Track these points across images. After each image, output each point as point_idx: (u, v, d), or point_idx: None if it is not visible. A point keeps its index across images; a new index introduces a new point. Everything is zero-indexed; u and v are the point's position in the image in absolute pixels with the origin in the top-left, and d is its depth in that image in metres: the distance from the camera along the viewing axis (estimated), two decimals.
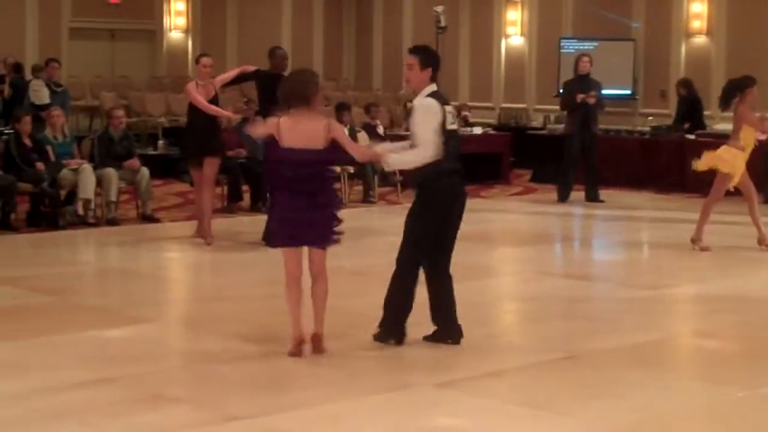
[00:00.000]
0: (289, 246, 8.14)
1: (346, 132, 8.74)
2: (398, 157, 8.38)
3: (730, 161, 13.02)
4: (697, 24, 21.86)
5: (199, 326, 9.34)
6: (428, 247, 8.34)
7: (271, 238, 8.92)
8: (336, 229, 8.21)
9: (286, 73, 14.11)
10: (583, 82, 17.62)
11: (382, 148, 8.58)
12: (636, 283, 11.44)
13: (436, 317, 8.56)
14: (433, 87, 8.37)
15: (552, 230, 15.76)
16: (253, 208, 16.14)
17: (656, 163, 19.36)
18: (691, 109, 20.11)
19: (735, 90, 13.07)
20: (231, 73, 14.25)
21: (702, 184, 18.29)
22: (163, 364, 8.18)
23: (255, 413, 6.81)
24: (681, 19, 22.03)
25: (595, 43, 22.57)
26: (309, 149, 7.95)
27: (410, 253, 8.34)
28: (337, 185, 16.78)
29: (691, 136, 19.37)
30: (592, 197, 17.63)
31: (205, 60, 13.74)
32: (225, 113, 14.00)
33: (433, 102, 8.26)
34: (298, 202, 8.01)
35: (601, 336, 9.03)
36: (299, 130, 7.97)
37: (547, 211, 16.83)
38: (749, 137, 13.06)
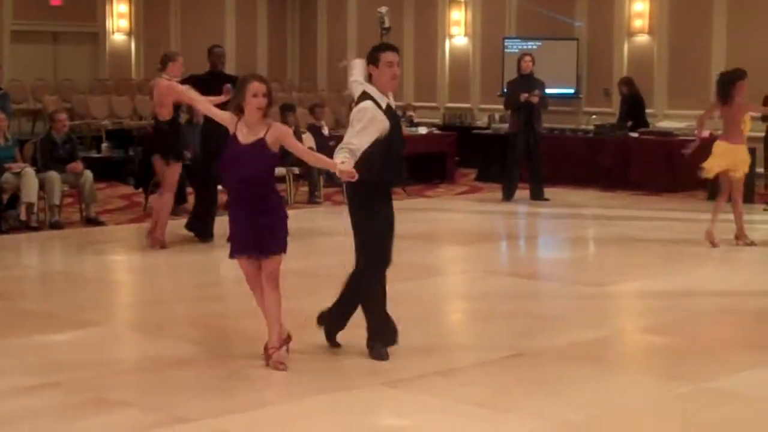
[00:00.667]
0: (240, 256, 8.04)
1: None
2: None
3: (743, 158, 13.21)
4: (639, 23, 22.00)
5: (146, 330, 9.28)
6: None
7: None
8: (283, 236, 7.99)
9: (224, 71, 14.12)
10: (526, 81, 17.68)
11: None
12: (582, 280, 11.48)
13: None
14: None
15: (498, 229, 15.81)
16: None
17: (600, 161, 19.46)
18: (633, 107, 20.28)
19: (729, 83, 13.22)
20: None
21: (645, 182, 18.53)
22: (110, 368, 8.10)
23: (204, 415, 6.77)
24: (623, 18, 22.17)
25: (539, 43, 22.66)
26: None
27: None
28: (282, 186, 16.91)
29: (635, 134, 19.52)
30: (536, 195, 17.69)
31: (181, 59, 13.44)
32: (217, 99, 13.58)
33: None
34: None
35: (549, 333, 9.04)
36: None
37: (492, 210, 16.88)
38: (748, 125, 13.50)
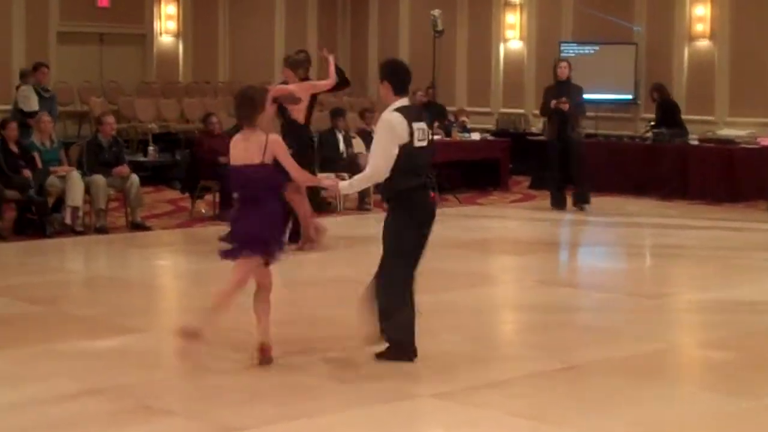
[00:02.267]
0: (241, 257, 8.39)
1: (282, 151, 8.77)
2: (347, 183, 8.68)
3: None
4: (700, 27, 21.89)
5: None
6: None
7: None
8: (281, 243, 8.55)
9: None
10: (560, 87, 17.61)
11: (327, 178, 8.92)
12: (638, 291, 11.44)
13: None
14: (402, 102, 8.31)
15: (551, 238, 15.77)
16: None
17: (658, 169, 19.36)
18: (666, 113, 20.14)
19: None
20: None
21: (704, 192, 18.43)
22: (154, 375, 8.18)
23: (251, 425, 6.82)
24: (684, 23, 22.07)
25: (596, 47, 22.62)
26: (247, 165, 8.22)
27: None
28: (331, 192, 16.93)
29: (695, 142, 19.42)
30: (578, 200, 17.61)
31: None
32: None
33: (396, 117, 8.21)
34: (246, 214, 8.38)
35: (602, 346, 9.03)
36: (242, 148, 8.30)
37: (545, 218, 16.84)
38: None
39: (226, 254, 8.43)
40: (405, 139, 8.13)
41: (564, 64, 17.86)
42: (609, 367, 8.34)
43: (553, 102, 17.37)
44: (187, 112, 23.82)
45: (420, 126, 8.25)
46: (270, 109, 10.36)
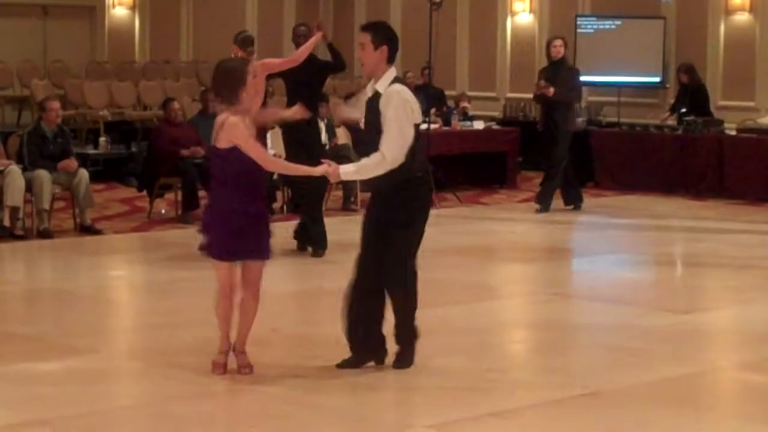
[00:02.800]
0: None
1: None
2: (353, 168, 8.64)
3: None
4: None
5: (147, 358, 9.31)
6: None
7: None
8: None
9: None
10: (553, 69, 17.58)
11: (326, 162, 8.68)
12: (669, 306, 11.43)
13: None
14: (394, 72, 8.46)
15: (567, 243, 15.80)
16: None
17: (690, 163, 19.34)
18: (694, 99, 20.15)
19: None
20: (278, 62, 13.90)
21: (743, 188, 18.42)
22: (105, 403, 8.15)
23: None
24: None
25: (618, 22, 22.63)
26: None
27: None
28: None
29: (732, 132, 19.41)
30: (569, 201, 17.73)
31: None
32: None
33: (408, 93, 8.39)
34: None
35: (628, 369, 9.01)
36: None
37: (560, 220, 16.83)
38: None
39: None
40: (419, 118, 8.35)
41: (559, 42, 17.83)
42: (637, 393, 8.32)
43: (540, 83, 17.34)
44: (145, 97, 23.82)
45: (415, 101, 8.41)
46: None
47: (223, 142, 8.30)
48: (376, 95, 8.41)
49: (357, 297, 8.62)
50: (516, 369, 9.48)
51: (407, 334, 8.63)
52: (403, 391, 8.32)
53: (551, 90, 17.18)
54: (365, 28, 8.59)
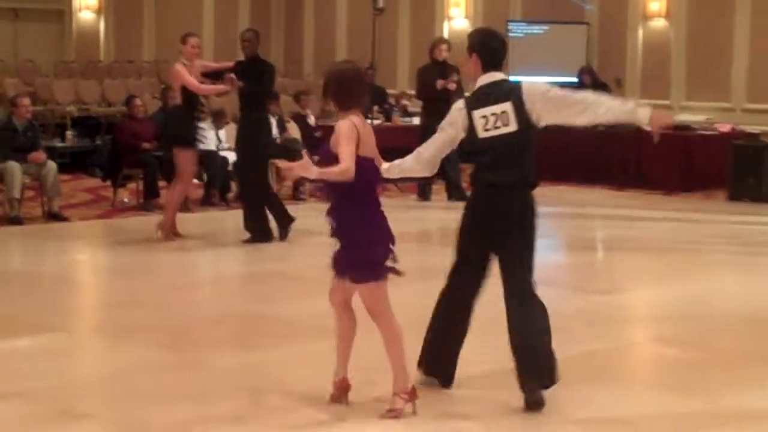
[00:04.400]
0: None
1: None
2: (396, 166, 7.86)
3: None
4: (655, 6, 22.04)
5: (111, 335, 9.30)
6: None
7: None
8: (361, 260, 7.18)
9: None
10: (440, 67, 17.64)
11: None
12: (589, 287, 11.50)
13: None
14: (485, 79, 7.53)
15: None
16: None
17: (612, 157, 19.44)
18: None
19: None
20: (215, 65, 13.94)
21: (661, 180, 18.55)
22: (73, 377, 8.13)
23: (172, 428, 6.80)
24: (638, 1, 22.22)
25: (546, 27, 22.71)
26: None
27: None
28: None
29: (649, 128, 19.49)
30: (453, 195, 17.48)
31: (193, 40, 13.50)
32: (221, 88, 13.62)
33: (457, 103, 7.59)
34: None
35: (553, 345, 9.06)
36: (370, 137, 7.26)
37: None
38: None
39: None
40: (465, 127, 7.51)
41: (444, 45, 17.96)
42: (560, 366, 8.36)
43: (441, 82, 17.33)
44: (109, 95, 23.69)
45: (489, 111, 7.42)
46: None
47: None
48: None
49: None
50: None
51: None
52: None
53: (455, 85, 17.24)
54: (468, 35, 7.85)
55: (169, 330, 9.36)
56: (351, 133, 6.95)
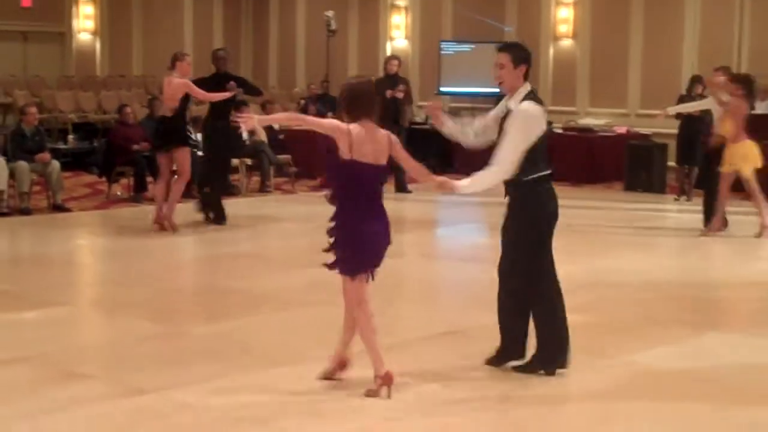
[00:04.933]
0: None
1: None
2: (470, 182, 7.17)
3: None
4: (563, 28, 22.09)
5: (107, 308, 9.24)
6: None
7: None
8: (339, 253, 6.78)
9: (229, 72, 14.03)
10: (391, 80, 17.67)
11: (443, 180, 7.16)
12: None
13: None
14: (528, 87, 7.14)
15: (433, 216, 15.83)
16: None
17: None
18: None
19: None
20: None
21: (567, 173, 18.61)
22: (76, 343, 8.07)
23: (160, 387, 6.74)
24: (549, 23, 22.26)
25: (472, 46, 22.69)
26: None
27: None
28: (235, 176, 16.86)
29: (559, 130, 19.62)
30: (400, 188, 17.48)
31: (189, 58, 13.37)
32: (226, 95, 13.49)
33: (536, 109, 7.06)
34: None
35: (482, 312, 8.94)
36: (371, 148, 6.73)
37: (426, 199, 16.78)
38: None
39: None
40: (544, 126, 7.16)
41: (395, 61, 18.05)
42: (488, 330, 8.35)
43: (389, 91, 17.34)
44: (104, 104, 23.50)
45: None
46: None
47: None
48: (509, 112, 7.12)
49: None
50: (395, 313, 9.49)
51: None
52: (297, 329, 8.31)
53: (402, 93, 17.29)
54: (504, 49, 7.22)
55: (155, 304, 9.30)
56: (337, 125, 6.67)
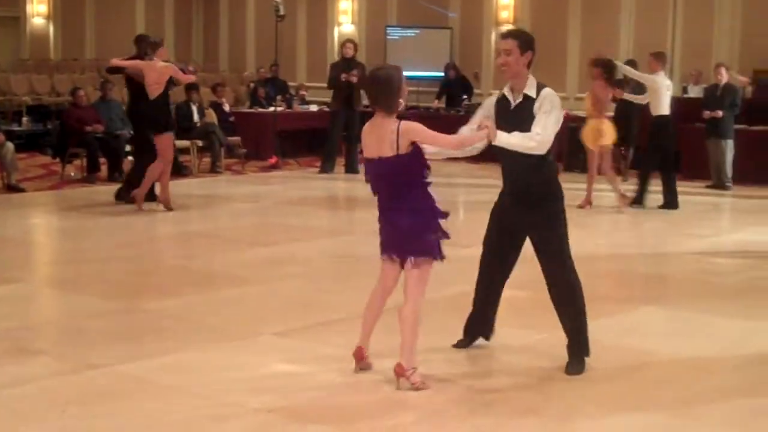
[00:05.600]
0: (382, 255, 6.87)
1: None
2: (507, 137, 6.60)
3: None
4: (505, 14, 22.21)
5: (63, 286, 9.18)
6: None
7: None
8: (427, 240, 6.78)
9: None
10: (346, 63, 17.66)
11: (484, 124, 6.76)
12: (455, 241, 11.50)
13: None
14: (533, 78, 6.92)
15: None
16: (110, 178, 15.91)
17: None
18: (464, 89, 20.66)
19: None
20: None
21: None
22: (29, 320, 8.01)
23: (111, 362, 6.72)
24: (491, 10, 22.36)
25: (417, 31, 22.75)
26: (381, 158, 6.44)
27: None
28: (186, 157, 16.80)
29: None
30: (351, 170, 17.63)
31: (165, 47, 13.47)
32: (192, 77, 13.60)
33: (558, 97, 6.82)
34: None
35: (428, 287, 9.06)
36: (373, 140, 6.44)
37: (355, 179, 16.77)
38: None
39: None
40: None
41: (350, 44, 17.98)
42: (437, 303, 8.34)
43: (344, 75, 17.36)
44: (58, 86, 23.34)
45: None
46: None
47: (404, 147, 6.43)
48: (527, 99, 6.78)
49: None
50: (340, 289, 9.52)
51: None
52: (255, 305, 8.32)
53: (356, 78, 17.24)
54: (510, 35, 6.86)
55: (108, 281, 9.26)
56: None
